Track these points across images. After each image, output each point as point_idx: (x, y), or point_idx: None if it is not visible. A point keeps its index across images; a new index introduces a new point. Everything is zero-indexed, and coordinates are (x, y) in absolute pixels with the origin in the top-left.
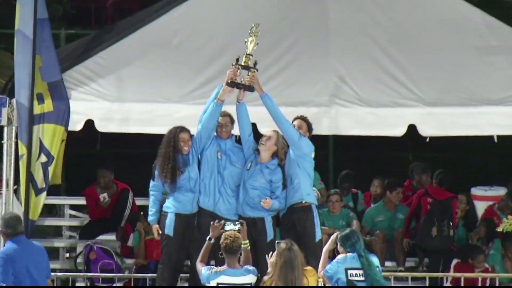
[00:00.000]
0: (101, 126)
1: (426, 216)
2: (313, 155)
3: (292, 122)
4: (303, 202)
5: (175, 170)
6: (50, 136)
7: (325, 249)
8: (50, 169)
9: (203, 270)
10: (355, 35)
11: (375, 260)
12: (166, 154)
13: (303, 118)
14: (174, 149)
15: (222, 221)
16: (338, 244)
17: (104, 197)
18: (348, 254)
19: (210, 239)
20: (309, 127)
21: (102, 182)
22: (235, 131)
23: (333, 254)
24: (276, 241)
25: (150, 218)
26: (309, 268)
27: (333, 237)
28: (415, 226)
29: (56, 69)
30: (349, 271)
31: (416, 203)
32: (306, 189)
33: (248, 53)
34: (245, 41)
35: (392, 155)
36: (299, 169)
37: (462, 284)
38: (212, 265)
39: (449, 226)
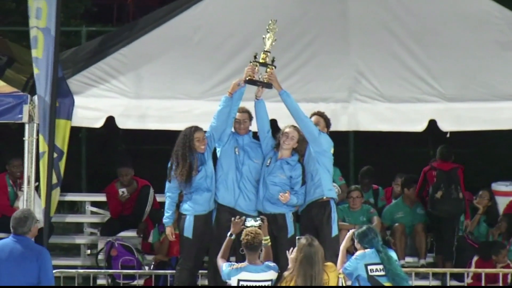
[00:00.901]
0: (122, 123)
1: (433, 185)
2: (332, 151)
3: (310, 118)
4: (324, 198)
5: (191, 171)
6: (61, 131)
7: (342, 246)
8: (61, 164)
9: (224, 267)
10: (375, 30)
11: (393, 254)
12: (183, 156)
13: (320, 114)
14: (190, 149)
15: (243, 217)
16: (355, 241)
17: (123, 191)
18: (366, 250)
19: (231, 235)
20: (327, 122)
21: (125, 180)
22: (253, 127)
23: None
24: (297, 237)
25: (165, 220)
26: (329, 263)
27: (349, 234)
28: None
29: (58, 67)
30: (369, 267)
31: (423, 178)
32: (327, 185)
33: (266, 50)
34: (263, 38)
35: (413, 150)
36: (319, 166)
37: (483, 280)
38: (233, 262)
39: (457, 190)
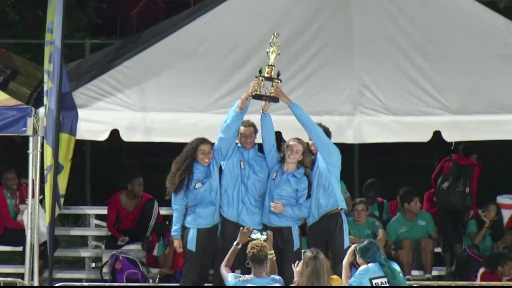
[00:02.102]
0: (126, 136)
1: (444, 175)
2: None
3: None
4: (339, 208)
5: (183, 182)
6: (63, 146)
7: (345, 261)
8: (60, 178)
9: (229, 277)
10: (380, 43)
11: (396, 267)
12: (183, 165)
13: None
14: (193, 160)
15: (251, 228)
16: (357, 256)
17: (123, 239)
18: (369, 264)
19: (237, 244)
20: (326, 133)
21: (140, 191)
22: (257, 139)
23: None
24: (302, 250)
25: (173, 233)
26: (335, 276)
27: (351, 249)
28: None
29: (65, 82)
30: (374, 281)
31: (440, 167)
32: (339, 195)
33: (270, 64)
34: (267, 52)
35: (418, 163)
36: (331, 176)
37: None
38: (239, 274)
39: (465, 184)
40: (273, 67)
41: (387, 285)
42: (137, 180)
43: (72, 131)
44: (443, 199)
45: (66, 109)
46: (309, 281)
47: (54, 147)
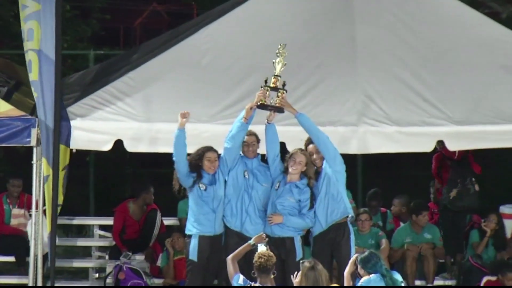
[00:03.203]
0: (130, 146)
1: (449, 179)
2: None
3: (307, 145)
4: (348, 216)
5: (194, 170)
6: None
7: (346, 272)
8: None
9: (240, 280)
10: (383, 54)
11: (398, 277)
12: (194, 164)
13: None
14: (197, 165)
15: (264, 234)
16: (359, 266)
17: (127, 254)
18: (371, 275)
19: (253, 245)
20: None
21: (152, 201)
22: (261, 150)
23: None
24: (301, 261)
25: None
26: (335, 285)
27: (352, 259)
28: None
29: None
30: None
31: (437, 165)
32: (348, 202)
33: (276, 74)
34: (273, 62)
35: (421, 174)
36: (338, 184)
37: None
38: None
39: (473, 182)
40: (279, 78)
41: None
42: (150, 191)
43: (67, 142)
44: (457, 204)
45: (61, 120)
46: None
47: (53, 157)
